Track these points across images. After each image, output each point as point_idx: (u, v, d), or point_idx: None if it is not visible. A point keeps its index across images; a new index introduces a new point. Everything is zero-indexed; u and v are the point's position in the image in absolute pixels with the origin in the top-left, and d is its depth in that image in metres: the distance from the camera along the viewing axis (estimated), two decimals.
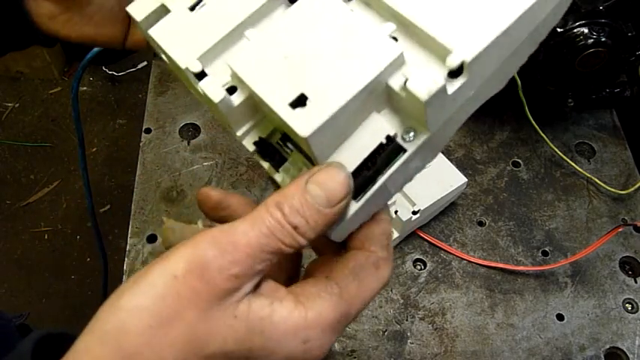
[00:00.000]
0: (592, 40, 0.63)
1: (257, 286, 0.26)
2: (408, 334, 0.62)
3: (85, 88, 1.77)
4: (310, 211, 0.26)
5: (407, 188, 0.62)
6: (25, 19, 0.43)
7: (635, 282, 0.66)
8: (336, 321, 0.27)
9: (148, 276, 0.25)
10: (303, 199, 0.26)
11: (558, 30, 0.63)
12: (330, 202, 0.26)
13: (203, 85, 0.27)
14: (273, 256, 0.26)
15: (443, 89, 0.25)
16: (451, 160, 0.68)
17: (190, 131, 0.76)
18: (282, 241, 0.26)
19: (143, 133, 0.75)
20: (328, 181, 0.26)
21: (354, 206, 0.28)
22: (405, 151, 0.27)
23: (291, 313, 0.26)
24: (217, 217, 0.34)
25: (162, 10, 0.31)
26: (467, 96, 0.28)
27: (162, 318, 0.24)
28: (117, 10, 0.45)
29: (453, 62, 0.26)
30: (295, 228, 0.26)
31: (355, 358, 0.60)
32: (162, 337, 0.24)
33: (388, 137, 0.27)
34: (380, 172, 0.28)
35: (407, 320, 0.63)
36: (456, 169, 0.67)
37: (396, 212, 0.62)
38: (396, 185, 0.30)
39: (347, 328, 0.61)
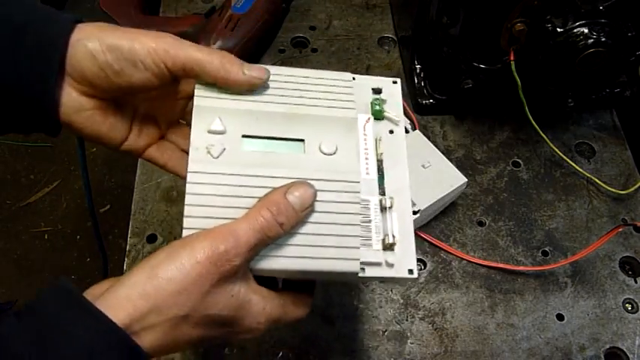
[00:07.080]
0: (592, 40, 0.63)
1: (248, 277, 0.40)
2: (408, 334, 0.62)
3: None
4: (290, 212, 0.38)
5: None
6: (50, 108, 0.41)
7: (635, 282, 0.66)
8: (274, 317, 0.41)
9: (179, 257, 0.36)
10: (286, 204, 0.38)
11: (558, 30, 0.63)
12: (302, 206, 0.39)
13: None
14: (261, 247, 0.39)
15: None
16: (451, 160, 0.68)
17: None
18: (269, 235, 0.38)
19: None
20: (301, 192, 0.39)
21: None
22: None
23: (259, 303, 0.40)
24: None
25: None
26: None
27: (187, 287, 0.36)
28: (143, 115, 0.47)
29: None
30: (281, 225, 0.38)
31: (355, 358, 0.60)
32: (185, 299, 0.36)
33: None
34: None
35: (407, 320, 0.63)
36: (456, 169, 0.67)
37: None
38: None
39: (346, 329, 0.62)
